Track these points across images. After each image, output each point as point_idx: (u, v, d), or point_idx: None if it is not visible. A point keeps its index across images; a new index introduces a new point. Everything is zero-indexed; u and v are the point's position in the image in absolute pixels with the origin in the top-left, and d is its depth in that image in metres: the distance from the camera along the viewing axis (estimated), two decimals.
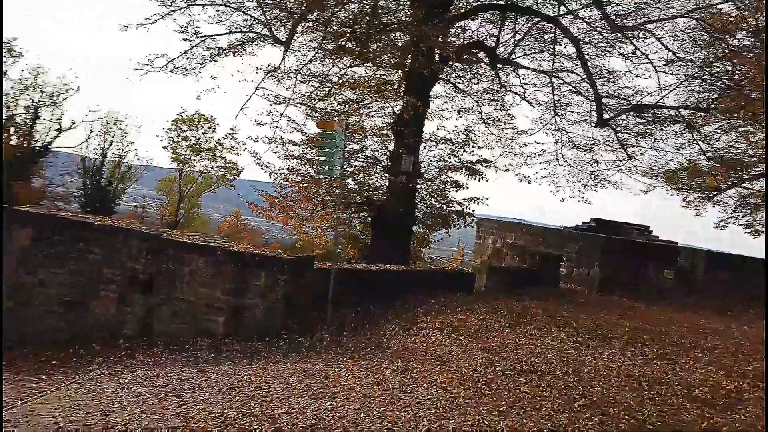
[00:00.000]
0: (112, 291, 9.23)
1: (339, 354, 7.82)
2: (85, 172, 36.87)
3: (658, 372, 7.90)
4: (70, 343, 8.88)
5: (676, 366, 8.36)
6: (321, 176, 13.37)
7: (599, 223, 22.82)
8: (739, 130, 25.19)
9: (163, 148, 42.57)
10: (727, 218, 28.36)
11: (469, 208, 17.59)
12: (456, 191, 17.73)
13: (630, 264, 18.19)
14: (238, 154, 42.92)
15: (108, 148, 38.31)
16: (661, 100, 15.27)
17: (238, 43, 13.94)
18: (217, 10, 13.95)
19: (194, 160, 43.21)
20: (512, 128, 18.42)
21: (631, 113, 16.48)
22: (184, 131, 42.62)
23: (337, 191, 16.74)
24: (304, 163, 16.45)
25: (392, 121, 16.00)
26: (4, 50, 30.19)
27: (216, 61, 13.97)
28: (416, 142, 16.21)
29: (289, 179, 16.28)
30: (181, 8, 13.77)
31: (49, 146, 35.11)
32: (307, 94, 15.70)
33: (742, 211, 28.21)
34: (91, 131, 36.85)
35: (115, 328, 9.15)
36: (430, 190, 17.75)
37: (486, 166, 17.66)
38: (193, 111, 43.95)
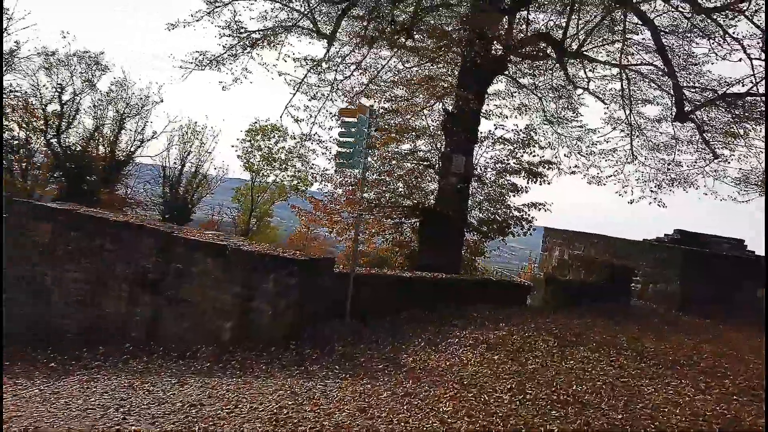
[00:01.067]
0: (124, 290, 8.80)
1: (345, 370, 6.84)
2: (165, 180, 38.37)
3: (738, 411, 6.28)
4: (82, 342, 8.53)
5: (763, 405, 6.66)
6: (342, 169, 12.49)
7: (684, 235, 20.38)
8: None
9: (238, 157, 43.68)
10: None
11: (528, 215, 16.09)
12: (515, 196, 16.31)
13: (717, 281, 15.90)
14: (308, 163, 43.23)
15: (186, 158, 39.69)
16: (754, 89, 13.10)
17: (278, 32, 13.35)
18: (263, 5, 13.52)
19: (267, 169, 44.01)
20: (580, 126, 16.71)
21: (718, 106, 14.33)
22: (257, 141, 43.54)
23: (380, 195, 16.05)
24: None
25: (442, 119, 14.87)
26: (93, 64, 31.92)
27: (251, 54, 13.48)
28: (469, 141, 14.99)
29: (334, 180, 15.57)
30: (226, 3, 13.47)
31: (132, 155, 36.83)
32: (351, 89, 14.91)
33: None
34: (170, 141, 38.31)
35: (124, 329, 8.70)
36: (485, 194, 16.43)
37: (549, 168, 16.12)
38: (263, 118, 44.77)
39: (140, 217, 10.10)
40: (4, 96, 23.96)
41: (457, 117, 14.56)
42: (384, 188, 15.98)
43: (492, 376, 6.97)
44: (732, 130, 15.92)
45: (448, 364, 7.44)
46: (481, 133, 15.76)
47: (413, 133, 16.07)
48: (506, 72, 16.62)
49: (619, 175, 16.38)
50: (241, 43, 13.37)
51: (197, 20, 13.71)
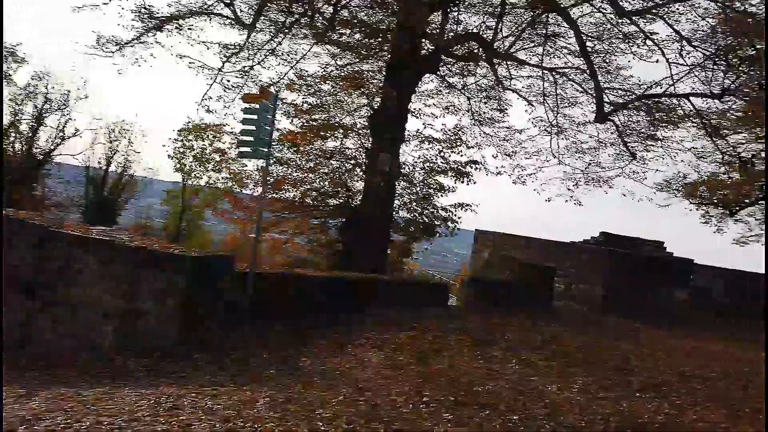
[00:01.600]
0: None
1: (231, 376, 6.24)
2: (89, 181, 36.18)
3: (638, 410, 6.11)
4: None
5: (664, 402, 6.55)
6: (243, 159, 11.89)
7: (609, 237, 20.86)
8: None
9: (169, 157, 41.82)
10: (750, 236, 26.02)
11: (455, 215, 15.94)
12: (442, 196, 16.13)
13: (637, 282, 16.28)
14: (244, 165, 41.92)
15: (113, 157, 37.55)
16: (670, 90, 13.44)
17: (189, 15, 12.51)
18: None
19: (200, 171, 42.33)
20: (507, 127, 16.73)
21: (638, 108, 14.63)
22: (190, 140, 41.81)
23: (305, 193, 15.48)
24: (273, 161, 15.02)
25: (369, 116, 14.49)
26: (6, 56, 29.75)
27: (156, 37, 12.58)
28: (397, 140, 14.66)
29: (253, 178, 14.88)
30: None
31: (51, 153, 34.53)
32: (269, 80, 14.29)
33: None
34: (95, 140, 36.15)
35: None
36: (413, 193, 16.16)
37: (476, 168, 16.03)
38: (195, 117, 43.08)
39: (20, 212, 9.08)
40: None
41: (384, 115, 14.21)
42: (308, 186, 15.43)
43: (392, 378, 6.56)
44: (652, 133, 16.36)
45: (348, 366, 6.98)
46: (408, 131, 15.50)
47: (340, 131, 15.61)
48: (437, 72, 16.45)
49: (537, 173, 16.47)
50: (147, 25, 12.48)
51: (105, 3, 12.74)
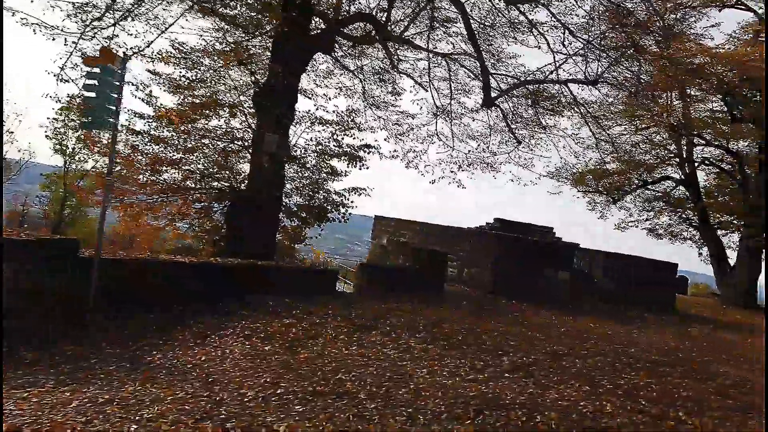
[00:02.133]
0: None
1: (57, 374, 5.43)
2: None
3: (503, 390, 6.01)
4: None
5: (530, 381, 6.53)
6: (86, 129, 10.83)
7: (503, 223, 21.42)
8: (643, 132, 24.81)
9: (47, 137, 38.11)
10: (631, 221, 27.95)
11: (349, 200, 15.55)
12: (334, 180, 15.68)
13: (525, 265, 16.74)
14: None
15: None
16: (552, 76, 13.84)
17: None
18: None
19: (85, 153, 38.96)
20: (401, 111, 16.55)
21: (525, 98, 14.96)
22: (72, 119, 38.34)
23: (186, 175, 14.41)
24: (148, 140, 13.83)
25: (254, 93, 13.66)
26: None
27: None
28: (285, 120, 13.96)
29: (128, 158, 13.58)
30: None
31: None
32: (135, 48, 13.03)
33: (645, 215, 27.87)
34: None
35: None
36: (305, 177, 15.57)
37: (370, 152, 15.70)
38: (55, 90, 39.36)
39: None
40: None
41: (271, 92, 13.46)
42: (189, 168, 14.35)
43: (251, 369, 6.02)
44: (537, 120, 16.85)
45: (204, 359, 6.35)
46: (299, 112, 14.87)
47: (226, 109, 14.65)
48: (331, 53, 15.90)
49: (423, 156, 16.49)
50: None
51: None
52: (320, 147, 15.55)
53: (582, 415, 5.38)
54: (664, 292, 19.19)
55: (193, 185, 14.34)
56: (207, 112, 14.23)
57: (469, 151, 16.12)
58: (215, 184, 14.53)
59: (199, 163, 14.52)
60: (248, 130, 14.55)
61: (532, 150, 16.60)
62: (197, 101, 14.00)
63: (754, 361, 10.19)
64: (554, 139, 16.30)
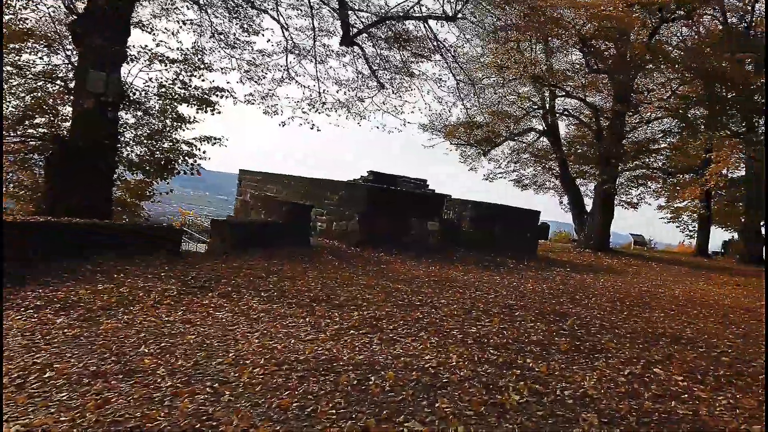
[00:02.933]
0: None
1: None
2: None
3: (342, 349, 5.28)
4: None
5: (376, 337, 5.88)
6: None
7: (376, 175, 20.86)
8: (510, 84, 25.25)
9: None
10: (499, 172, 28.85)
11: (200, 150, 13.96)
12: (184, 128, 13.95)
13: (394, 216, 16.32)
14: None
15: None
16: (412, 12, 13.11)
17: None
18: None
19: None
20: (259, 51, 14.98)
21: (387, 41, 14.12)
22: None
23: None
24: None
25: (70, 20, 11.47)
26: None
27: None
28: (115, 54, 11.92)
29: None
30: None
31: None
32: None
33: (512, 166, 28.86)
34: None
35: None
36: (147, 125, 13.67)
37: (222, 96, 14.12)
38: None
39: None
40: None
41: (94, 21, 11.37)
42: None
43: (23, 348, 4.71)
44: (407, 69, 16.17)
45: None
46: (134, 47, 12.85)
47: (42, 41, 12.26)
48: None
49: (273, 94, 15.27)
50: None
51: None
52: (164, 90, 13.67)
53: (423, 370, 4.78)
54: (528, 239, 19.88)
55: (4, 132, 11.93)
56: (14, 44, 11.77)
57: (323, 91, 15.04)
58: (32, 131, 12.23)
59: (8, 105, 12.09)
60: (67, 65, 12.32)
61: (400, 97, 15.93)
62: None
63: (602, 300, 10.52)
64: (421, 86, 15.70)
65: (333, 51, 15.83)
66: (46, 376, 4.11)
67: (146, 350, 4.87)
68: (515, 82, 24.48)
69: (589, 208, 25.78)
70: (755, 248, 27.36)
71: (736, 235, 32.20)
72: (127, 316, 6.01)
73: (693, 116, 26.26)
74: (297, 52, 14.76)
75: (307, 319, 6.50)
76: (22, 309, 5.97)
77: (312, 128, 14.67)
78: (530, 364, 5.31)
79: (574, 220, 26.65)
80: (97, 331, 5.35)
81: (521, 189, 28.89)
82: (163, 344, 5.09)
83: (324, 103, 14.68)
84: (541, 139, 27.43)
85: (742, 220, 28.44)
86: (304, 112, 14.47)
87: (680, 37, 25.61)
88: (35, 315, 5.79)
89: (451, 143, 28.22)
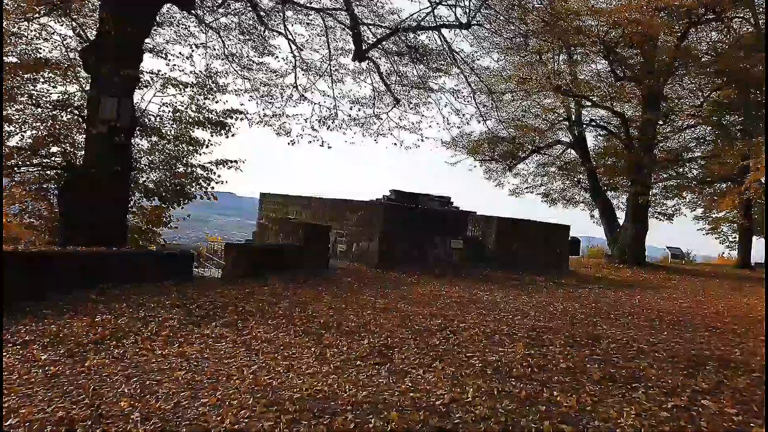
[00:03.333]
0: None
1: None
2: None
3: (345, 383, 4.74)
4: None
5: (384, 368, 5.32)
6: None
7: (398, 194, 20.38)
8: (533, 97, 24.62)
9: None
10: (526, 188, 28.03)
11: (215, 173, 13.74)
12: (198, 153, 13.77)
13: (415, 235, 15.79)
14: None
15: None
16: (424, 22, 12.69)
17: None
18: None
19: None
20: (273, 71, 14.78)
21: (400, 55, 13.74)
22: None
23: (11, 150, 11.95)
24: None
25: (81, 48, 11.43)
26: None
27: None
28: (126, 80, 11.83)
29: None
30: None
31: None
32: None
33: (539, 180, 28.02)
34: None
35: None
36: (162, 150, 13.53)
37: (238, 118, 13.94)
38: None
39: None
40: None
41: (104, 48, 11.31)
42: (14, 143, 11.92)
43: None
44: (425, 83, 15.77)
45: None
46: (145, 71, 12.78)
47: (56, 70, 12.27)
48: (191, 10, 13.81)
49: (283, 112, 14.92)
50: None
51: None
52: (178, 114, 13.55)
53: (433, 409, 4.21)
54: (557, 255, 19.07)
55: (17, 162, 11.91)
56: (29, 74, 11.80)
57: (335, 106, 14.67)
58: (47, 161, 12.17)
59: (24, 135, 12.09)
60: (80, 93, 12.28)
61: (418, 112, 15.50)
62: (14, 59, 11.55)
63: (640, 319, 9.72)
64: (439, 100, 15.25)
65: (345, 67, 15.57)
66: (7, 423, 3.69)
67: (126, 390, 4.43)
68: (539, 94, 23.84)
69: (621, 221, 24.75)
70: None
71: None
72: (117, 351, 5.60)
73: (728, 122, 25.11)
74: (309, 69, 14.51)
75: (313, 349, 5.98)
76: (9, 345, 5.62)
77: (322, 145, 14.32)
78: (557, 398, 4.67)
79: (607, 234, 25.61)
80: (79, 369, 4.94)
81: (549, 204, 28.01)
82: (147, 383, 4.64)
83: (335, 119, 14.31)
84: (568, 151, 26.62)
85: None
86: (314, 129, 14.12)
87: (710, 42, 24.64)
88: (21, 351, 5.43)
89: (475, 159, 27.58)
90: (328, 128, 14.44)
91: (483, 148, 26.72)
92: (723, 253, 35.64)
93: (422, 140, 16.22)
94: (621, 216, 25.15)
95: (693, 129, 25.50)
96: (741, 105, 22.59)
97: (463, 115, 16.15)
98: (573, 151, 26.26)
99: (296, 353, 5.79)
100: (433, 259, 15.97)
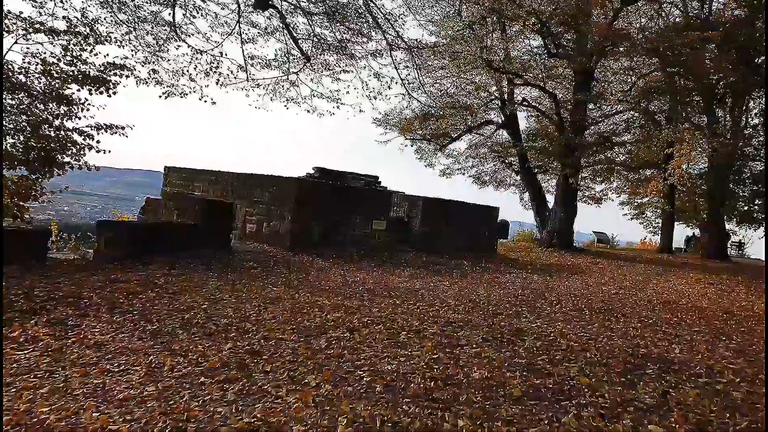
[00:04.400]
0: None
1: None
2: None
3: (146, 420, 3.27)
4: None
5: (224, 395, 3.88)
6: None
7: (322, 172, 18.83)
8: (466, 75, 23.56)
9: None
10: (457, 169, 27.16)
11: (95, 139, 11.67)
12: (75, 115, 11.63)
13: (332, 215, 14.35)
14: None
15: None
16: None
17: None
18: None
19: None
20: (168, 23, 12.73)
21: (321, 16, 12.12)
22: None
23: None
24: None
25: None
26: None
27: None
28: None
29: None
30: None
31: None
32: None
33: (471, 162, 27.23)
34: None
35: None
36: (28, 111, 11.31)
37: (121, 75, 11.90)
38: None
39: None
40: None
41: None
42: None
43: None
44: (345, 48, 14.23)
45: None
46: (10, 17, 10.52)
47: None
48: None
49: (159, 62, 13.02)
50: None
51: None
52: (50, 67, 11.33)
53: None
54: (486, 237, 18.21)
55: None
56: None
57: (222, 54, 12.88)
58: None
59: None
60: None
61: (338, 80, 13.93)
62: None
63: (567, 307, 8.77)
64: (357, 65, 13.78)
65: (263, 28, 13.78)
66: None
67: None
68: (471, 71, 22.77)
69: (551, 205, 24.34)
70: (719, 243, 26.41)
71: (697, 231, 31.38)
72: None
73: (657, 108, 25.09)
74: (214, 24, 12.59)
75: (151, 358, 4.45)
76: None
77: (206, 101, 12.49)
78: (462, 431, 3.40)
79: (536, 217, 25.18)
80: None
81: (479, 186, 27.31)
82: None
83: (217, 68, 12.48)
84: (500, 132, 25.90)
85: (704, 215, 27.49)
86: (192, 80, 12.25)
87: (642, 24, 24.40)
88: None
89: (406, 138, 26.36)
90: (218, 84, 12.58)
91: (414, 126, 25.56)
92: (645, 237, 36.51)
93: (338, 107, 14.72)
94: (551, 200, 24.75)
95: (621, 114, 25.33)
96: (668, 91, 22.48)
97: (383, 78, 14.53)
98: (504, 132, 25.57)
99: (122, 366, 4.25)
100: (352, 242, 14.62)
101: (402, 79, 15.11)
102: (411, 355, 5.04)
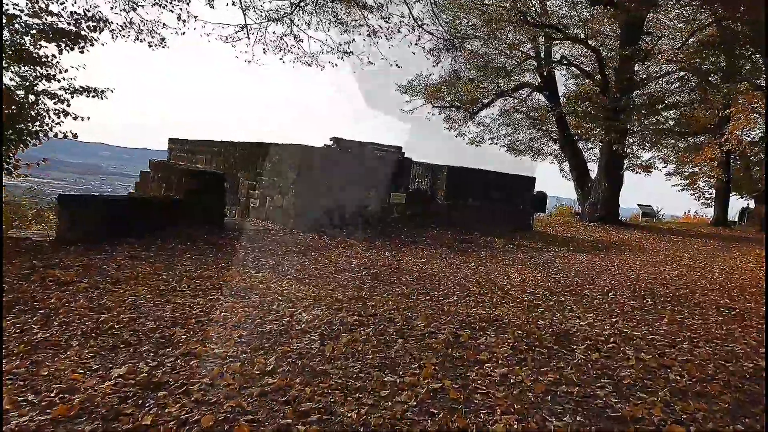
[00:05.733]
0: None
1: None
2: None
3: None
4: None
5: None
6: None
7: (339, 142, 17.11)
8: (498, 33, 21.26)
9: None
10: (490, 138, 25.00)
11: (68, 104, 10.23)
12: (46, 77, 10.20)
13: (342, 187, 12.64)
14: None
15: None
16: None
17: None
18: None
19: None
20: None
21: None
22: None
23: None
24: None
25: None
26: None
27: None
28: None
29: None
30: None
31: None
32: None
33: (504, 130, 25.03)
34: None
35: None
36: None
37: (95, 28, 10.38)
38: None
39: None
40: None
41: None
42: None
43: None
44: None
45: None
46: None
47: None
48: None
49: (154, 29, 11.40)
50: None
51: None
52: (12, 22, 9.88)
53: None
54: (520, 212, 16.23)
55: None
56: None
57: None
58: None
59: None
60: None
61: (347, 30, 12.14)
62: None
63: (625, 296, 6.89)
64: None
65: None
66: None
67: None
68: (504, 29, 20.47)
69: (593, 175, 22.03)
70: None
71: (752, 203, 28.48)
72: None
73: (712, 66, 22.23)
74: None
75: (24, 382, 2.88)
76: None
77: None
78: None
79: (577, 188, 22.88)
80: None
81: (515, 155, 25.08)
82: None
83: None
84: (535, 95, 23.58)
85: (760, 185, 24.69)
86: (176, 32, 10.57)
87: None
88: None
89: (433, 105, 24.31)
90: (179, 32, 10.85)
91: (442, 93, 23.51)
92: (689, 211, 33.71)
93: (342, 58, 12.96)
94: (593, 169, 22.43)
95: (671, 74, 22.59)
96: (721, 44, 19.64)
97: (393, 24, 12.46)
98: (541, 96, 23.24)
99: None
100: (367, 217, 12.93)
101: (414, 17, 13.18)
102: (396, 386, 3.32)
